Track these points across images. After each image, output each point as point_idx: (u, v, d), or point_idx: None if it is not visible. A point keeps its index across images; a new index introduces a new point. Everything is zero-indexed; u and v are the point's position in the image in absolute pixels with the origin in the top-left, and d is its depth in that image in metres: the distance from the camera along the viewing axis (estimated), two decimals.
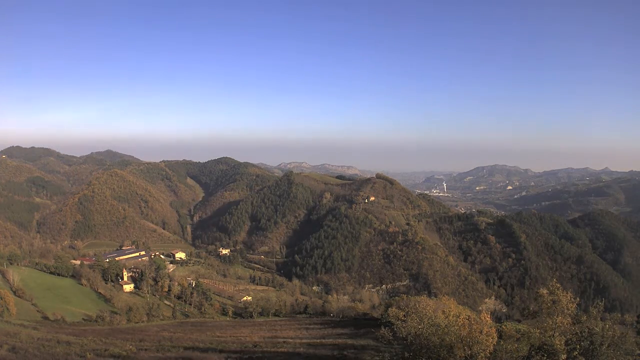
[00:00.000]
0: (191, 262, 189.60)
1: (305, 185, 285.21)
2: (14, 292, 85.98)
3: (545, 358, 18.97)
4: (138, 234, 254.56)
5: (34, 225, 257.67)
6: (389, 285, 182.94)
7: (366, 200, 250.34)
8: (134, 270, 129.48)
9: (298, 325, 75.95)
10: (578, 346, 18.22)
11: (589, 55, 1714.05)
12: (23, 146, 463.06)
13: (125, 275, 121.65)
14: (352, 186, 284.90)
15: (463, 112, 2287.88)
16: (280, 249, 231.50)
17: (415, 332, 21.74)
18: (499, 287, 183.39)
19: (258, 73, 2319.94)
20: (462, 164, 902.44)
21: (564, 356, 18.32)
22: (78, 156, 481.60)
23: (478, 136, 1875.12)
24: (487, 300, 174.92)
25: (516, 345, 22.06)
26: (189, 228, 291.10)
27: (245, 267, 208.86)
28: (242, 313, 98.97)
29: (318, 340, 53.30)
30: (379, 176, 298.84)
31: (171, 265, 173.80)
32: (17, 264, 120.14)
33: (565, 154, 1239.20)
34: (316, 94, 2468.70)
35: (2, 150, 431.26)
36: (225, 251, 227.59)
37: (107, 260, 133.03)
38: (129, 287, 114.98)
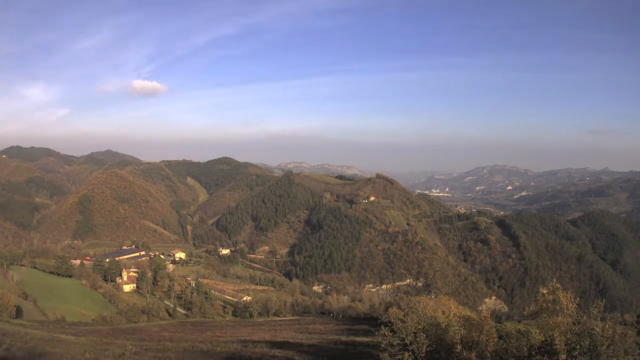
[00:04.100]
0: (191, 262, 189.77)
1: (305, 185, 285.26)
2: (14, 292, 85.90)
3: (545, 358, 18.95)
4: (138, 234, 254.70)
5: (34, 225, 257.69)
6: (390, 285, 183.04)
7: (366, 200, 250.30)
8: (134, 270, 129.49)
9: (298, 325, 75.88)
10: (578, 346, 18.17)
11: (589, 55, 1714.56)
12: (23, 146, 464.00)
13: (125, 275, 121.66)
14: (352, 186, 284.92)
15: (464, 112, 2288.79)
16: (280, 249, 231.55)
17: (415, 332, 21.73)
18: (499, 287, 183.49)
19: (257, 72, 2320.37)
20: (462, 164, 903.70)
21: (564, 356, 18.28)
22: (78, 156, 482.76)
23: (478, 136, 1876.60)
24: (487, 300, 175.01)
25: (516, 344, 22.04)
26: (189, 228, 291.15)
27: (245, 267, 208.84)
28: (242, 313, 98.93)
29: (318, 340, 53.29)
30: (379, 176, 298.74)
31: (171, 265, 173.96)
32: (17, 264, 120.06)
33: (565, 154, 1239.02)
34: (316, 93, 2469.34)
35: (2, 150, 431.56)
36: (225, 251, 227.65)
37: (107, 260, 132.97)
38: (129, 287, 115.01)
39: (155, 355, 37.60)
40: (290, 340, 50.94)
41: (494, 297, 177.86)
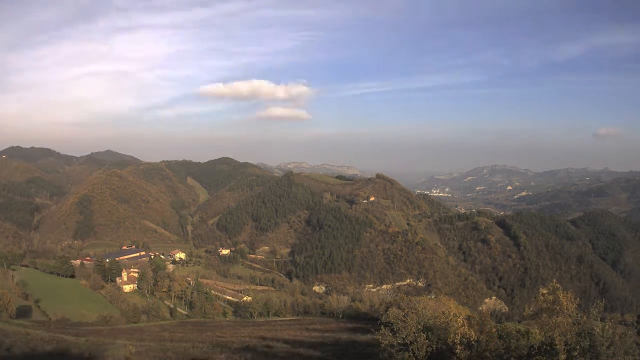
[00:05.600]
0: (191, 262, 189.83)
1: (305, 185, 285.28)
2: (15, 293, 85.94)
3: (545, 358, 18.96)
4: (138, 234, 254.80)
5: (34, 226, 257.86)
6: (390, 285, 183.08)
7: (366, 201, 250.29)
8: (135, 270, 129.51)
9: (298, 325, 75.84)
10: (578, 346, 18.18)
11: (589, 54, 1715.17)
12: (23, 146, 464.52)
13: (126, 275, 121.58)
14: (352, 186, 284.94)
15: (464, 112, 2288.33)
16: (280, 249, 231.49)
17: (415, 332, 21.78)
18: (499, 287, 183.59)
19: (256, 71, 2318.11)
20: (462, 164, 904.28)
21: (563, 356, 18.29)
22: (78, 156, 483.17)
23: (478, 136, 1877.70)
24: (487, 300, 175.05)
25: (516, 344, 22.08)
26: (189, 228, 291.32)
27: (245, 267, 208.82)
28: (242, 313, 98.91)
29: (319, 340, 53.31)
30: (379, 176, 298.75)
31: (171, 265, 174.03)
32: (18, 264, 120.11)
33: (565, 154, 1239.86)
34: (316, 94, 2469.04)
35: (2, 150, 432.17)
36: (225, 251, 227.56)
37: (108, 260, 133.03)
38: (129, 287, 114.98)
39: (156, 356, 37.63)
40: (291, 340, 51.02)
41: (494, 297, 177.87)
